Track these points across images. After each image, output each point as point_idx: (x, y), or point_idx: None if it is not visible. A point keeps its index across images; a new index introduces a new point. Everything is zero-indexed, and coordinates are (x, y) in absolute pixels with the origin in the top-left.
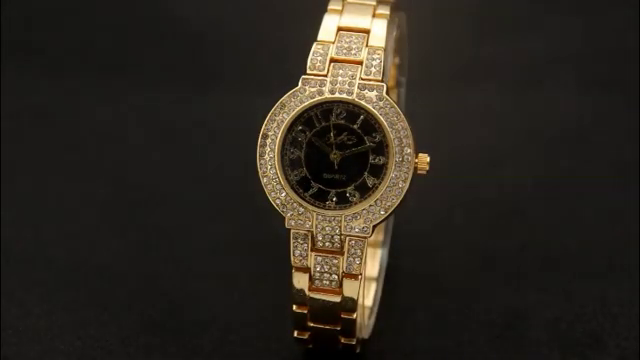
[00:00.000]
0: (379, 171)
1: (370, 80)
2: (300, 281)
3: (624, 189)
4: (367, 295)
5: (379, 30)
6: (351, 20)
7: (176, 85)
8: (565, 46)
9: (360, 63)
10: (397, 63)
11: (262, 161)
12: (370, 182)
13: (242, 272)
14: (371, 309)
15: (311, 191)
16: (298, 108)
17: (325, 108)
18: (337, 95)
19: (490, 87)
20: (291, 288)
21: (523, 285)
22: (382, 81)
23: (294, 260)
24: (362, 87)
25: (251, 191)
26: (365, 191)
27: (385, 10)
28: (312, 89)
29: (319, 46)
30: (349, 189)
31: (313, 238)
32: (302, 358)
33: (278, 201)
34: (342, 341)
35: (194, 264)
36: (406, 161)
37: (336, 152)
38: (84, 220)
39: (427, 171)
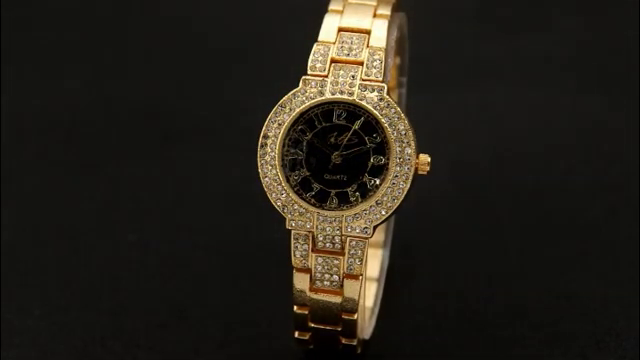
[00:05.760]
0: (380, 172)
1: (371, 81)
2: (301, 282)
3: (624, 189)
4: (368, 296)
5: (380, 31)
6: (352, 21)
7: (178, 84)
8: (565, 46)
9: (361, 64)
10: (398, 63)
11: (263, 162)
12: (371, 183)
13: (242, 272)
14: (372, 310)
15: (312, 192)
16: (299, 109)
17: (326, 109)
18: (338, 96)
19: (490, 87)
20: (292, 289)
21: (523, 285)
22: (383, 82)
23: (295, 261)
24: (363, 88)
25: (252, 192)
26: (366, 192)
27: (386, 11)
28: (313, 90)
29: (320, 47)
30: (350, 190)
31: (314, 239)
32: (303, 359)
33: (279, 202)
34: (343, 342)
35: (194, 264)
36: (407, 161)
37: (337, 153)
38: (84, 220)
39: (428, 171)
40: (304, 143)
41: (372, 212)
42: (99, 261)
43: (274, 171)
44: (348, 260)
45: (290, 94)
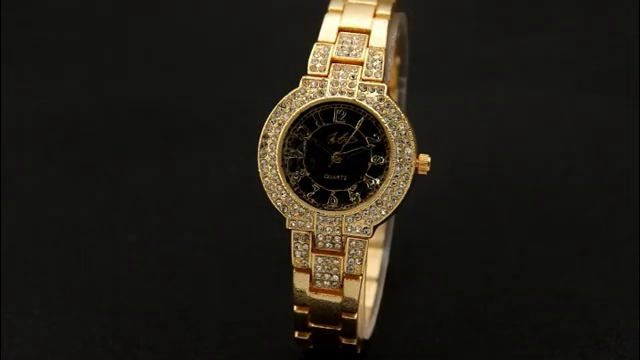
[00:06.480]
0: (380, 172)
1: (371, 81)
2: (301, 282)
3: (624, 189)
4: (368, 296)
5: (380, 31)
6: (352, 21)
7: (178, 84)
8: (565, 46)
9: (361, 64)
10: (398, 63)
11: (263, 162)
12: (371, 183)
13: (242, 272)
14: (372, 310)
15: (312, 192)
16: (299, 109)
17: (326, 109)
18: (338, 96)
19: (490, 87)
20: (292, 289)
21: (523, 285)
22: (383, 82)
23: (295, 261)
24: (363, 88)
25: (252, 192)
26: (366, 192)
27: (386, 11)
28: (313, 90)
29: (320, 47)
30: (350, 190)
31: (314, 239)
32: (303, 359)
33: (279, 202)
34: (343, 342)
35: (194, 264)
36: (407, 161)
37: (337, 153)
38: (84, 220)
39: (428, 171)
40: (304, 143)
41: (372, 212)
42: (99, 261)
43: (274, 171)
44: (348, 260)
45: (290, 94)
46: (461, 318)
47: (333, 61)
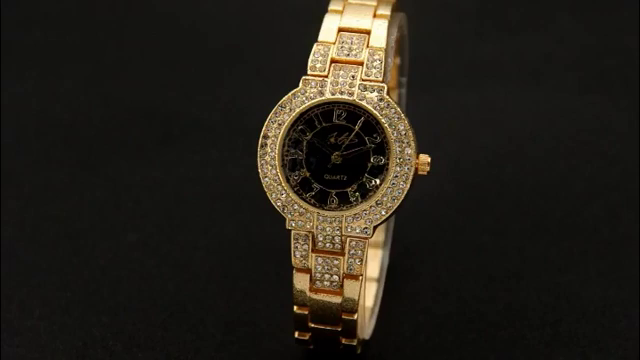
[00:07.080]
0: (380, 172)
1: (371, 81)
2: (301, 282)
3: (624, 189)
4: (368, 296)
5: (380, 31)
6: (352, 21)
7: (177, 84)
8: (565, 46)
9: (361, 64)
10: (398, 64)
11: (262, 162)
12: (371, 183)
13: (242, 272)
14: (372, 310)
15: (312, 192)
16: (299, 109)
17: (326, 109)
18: (338, 96)
19: (490, 87)
20: (292, 289)
21: (523, 285)
22: (383, 82)
23: (295, 261)
24: (363, 88)
25: (252, 192)
26: (366, 192)
27: (386, 11)
28: (313, 90)
29: (320, 47)
30: (350, 190)
31: (314, 239)
32: (303, 359)
33: (279, 202)
34: (343, 342)
35: (194, 264)
36: (407, 162)
37: (337, 153)
38: (84, 220)
39: (428, 171)
40: (304, 143)
41: (372, 212)
42: (99, 261)
43: (274, 171)
44: (348, 260)
45: (290, 94)
46: (461, 318)
47: (333, 61)
